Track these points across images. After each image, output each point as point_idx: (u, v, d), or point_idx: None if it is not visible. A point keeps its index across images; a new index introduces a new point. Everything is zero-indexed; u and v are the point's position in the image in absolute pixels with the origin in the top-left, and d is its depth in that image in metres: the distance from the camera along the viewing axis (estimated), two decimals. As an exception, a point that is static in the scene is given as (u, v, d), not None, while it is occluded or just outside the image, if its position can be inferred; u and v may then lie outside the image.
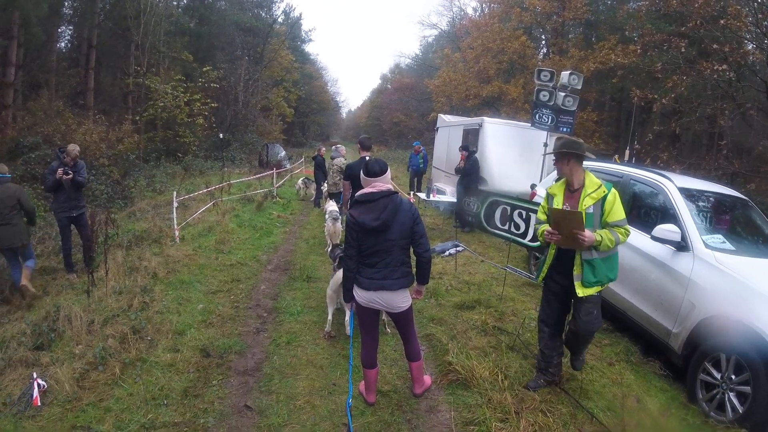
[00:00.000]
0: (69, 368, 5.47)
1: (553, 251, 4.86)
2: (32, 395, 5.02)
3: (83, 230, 9.28)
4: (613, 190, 4.62)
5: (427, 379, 5.32)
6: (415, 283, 4.78)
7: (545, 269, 4.96)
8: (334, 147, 13.88)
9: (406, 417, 4.82)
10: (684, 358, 5.48)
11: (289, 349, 6.32)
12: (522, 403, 4.78)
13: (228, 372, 5.73)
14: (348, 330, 5.60)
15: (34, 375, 5.25)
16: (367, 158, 7.83)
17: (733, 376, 4.79)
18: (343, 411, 4.85)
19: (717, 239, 5.80)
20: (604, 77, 24.00)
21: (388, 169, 4.53)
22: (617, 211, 4.56)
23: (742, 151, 16.83)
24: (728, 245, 5.74)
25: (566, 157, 4.69)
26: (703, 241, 5.66)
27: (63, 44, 29.87)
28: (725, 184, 10.36)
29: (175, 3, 35.74)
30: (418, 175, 19.39)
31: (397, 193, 4.51)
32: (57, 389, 5.18)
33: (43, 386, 5.18)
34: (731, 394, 4.78)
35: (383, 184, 4.44)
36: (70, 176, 8.74)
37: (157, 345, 6.22)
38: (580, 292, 4.66)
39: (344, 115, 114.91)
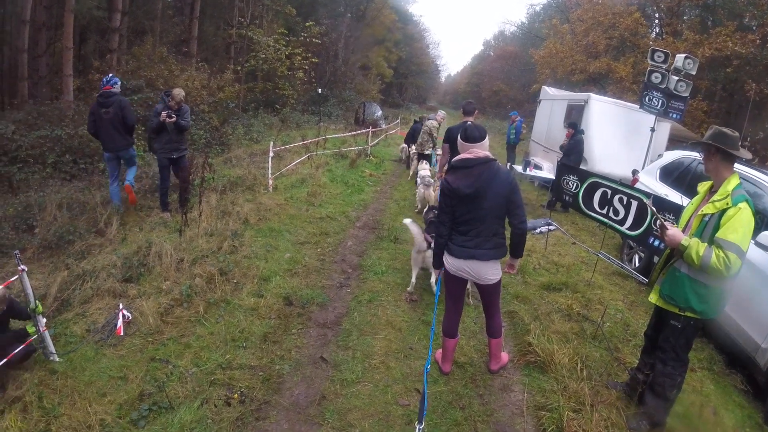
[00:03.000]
0: (155, 302, 5.64)
1: (666, 253, 4.24)
2: (116, 325, 5.19)
3: (182, 172, 9.32)
4: (740, 205, 3.70)
5: (505, 356, 5.14)
6: (507, 256, 4.53)
7: (655, 272, 4.35)
8: (435, 113, 13.69)
9: (478, 392, 4.70)
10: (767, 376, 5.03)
11: (370, 307, 6.29)
12: (597, 396, 4.49)
13: (308, 323, 5.78)
14: (434, 290, 5.41)
15: (120, 306, 5.44)
16: (468, 123, 7.64)
17: None
18: (416, 376, 4.78)
19: None
20: (719, 65, 22.40)
21: (487, 136, 4.32)
22: (729, 229, 3.66)
23: None
24: None
25: (711, 151, 3.97)
26: None
27: None
28: None
29: None
30: (511, 146, 18.91)
31: (495, 160, 4.27)
32: (141, 321, 5.35)
33: (128, 317, 5.35)
34: None
35: (481, 150, 4.24)
36: (174, 119, 8.79)
37: (242, 288, 6.35)
38: (652, 297, 4.22)
39: (443, 79, 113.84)
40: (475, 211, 4.23)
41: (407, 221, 6.83)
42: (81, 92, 17.46)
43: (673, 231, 3.87)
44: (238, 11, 28.57)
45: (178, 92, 9.01)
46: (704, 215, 3.87)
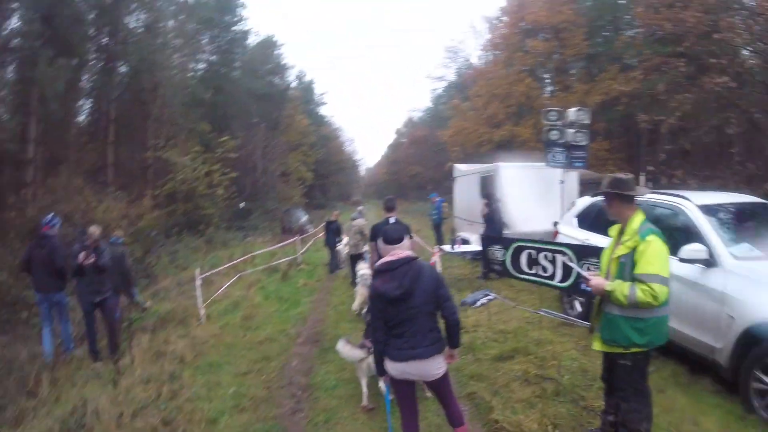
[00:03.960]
0: None
1: (597, 301, 4.54)
2: None
3: (108, 316, 9.11)
4: (648, 238, 4.04)
5: None
6: (446, 348, 4.59)
7: (592, 320, 4.63)
8: (358, 210, 13.90)
9: None
10: (733, 371, 5.44)
11: (327, 428, 6.06)
12: None
13: None
14: (385, 401, 5.37)
15: None
16: (391, 220, 7.80)
17: None
18: None
19: (744, 249, 5.86)
20: (611, 106, 24.38)
21: (407, 235, 4.52)
22: (645, 263, 3.98)
23: (754, 153, 16.82)
24: (756, 252, 5.81)
25: (610, 197, 4.41)
26: (731, 254, 5.71)
27: (82, 118, 29.55)
28: (743, 191, 10.38)
29: (190, 75, 36.07)
30: (436, 226, 19.51)
31: (417, 258, 4.45)
32: None
33: None
34: None
35: (402, 250, 4.40)
36: (93, 260, 8.53)
37: None
38: (596, 345, 4.48)
39: (363, 172, 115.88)
40: (406, 311, 4.26)
41: (339, 346, 6.69)
42: None
43: (596, 280, 4.21)
44: (152, 133, 28.58)
45: (94, 230, 8.90)
46: (620, 257, 4.22)
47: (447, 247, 14.05)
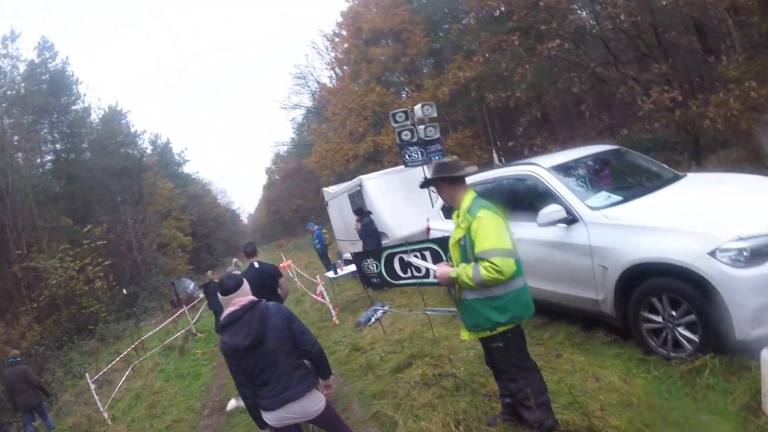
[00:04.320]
0: None
1: (457, 289, 4.27)
2: None
3: None
4: (478, 214, 3.87)
5: None
6: (320, 381, 4.44)
7: (458, 308, 4.36)
8: (234, 262, 13.67)
9: None
10: (621, 318, 5.43)
11: None
12: None
13: None
14: None
15: None
16: (256, 265, 7.59)
17: (673, 313, 4.81)
18: None
19: (601, 197, 5.88)
20: (463, 94, 24.91)
21: (244, 281, 4.21)
22: (480, 241, 3.80)
23: (606, 105, 17.65)
24: (615, 197, 5.85)
25: (438, 184, 4.27)
26: (588, 206, 5.69)
27: None
28: (604, 142, 10.74)
29: (38, 171, 34.64)
30: (321, 254, 19.44)
31: (259, 300, 4.20)
32: None
33: None
34: (681, 329, 4.80)
35: (243, 297, 4.13)
36: None
37: None
38: (463, 334, 4.31)
39: (246, 221, 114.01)
40: (264, 357, 4.05)
41: (231, 405, 6.39)
42: None
43: (440, 269, 4.06)
44: (13, 244, 27.08)
45: None
46: (458, 240, 4.06)
47: (330, 274, 13.85)
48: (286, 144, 62.15)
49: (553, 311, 6.66)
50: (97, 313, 27.20)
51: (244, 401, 4.28)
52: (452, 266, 4.10)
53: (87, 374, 11.87)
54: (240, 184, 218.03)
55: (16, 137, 30.29)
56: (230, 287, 4.10)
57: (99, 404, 10.91)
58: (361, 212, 13.56)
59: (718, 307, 4.40)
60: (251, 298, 4.16)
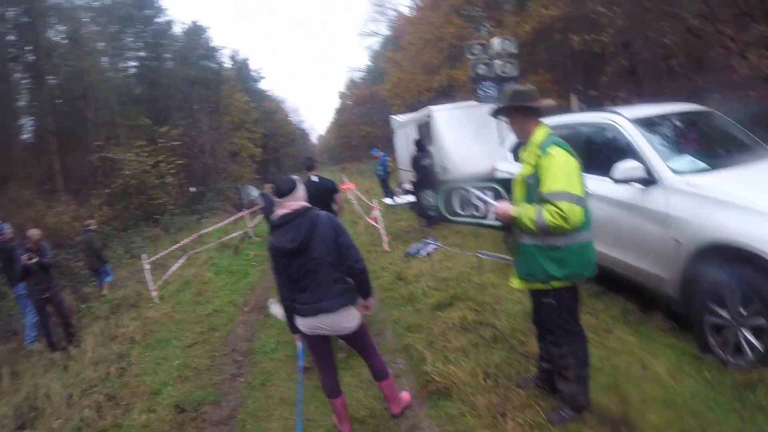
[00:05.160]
0: None
1: (517, 232, 3.83)
2: None
3: (59, 308, 9.41)
4: (550, 151, 3.42)
5: (405, 395, 4.77)
6: (359, 299, 4.25)
7: (513, 249, 4.02)
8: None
9: None
10: (685, 304, 4.71)
11: (263, 390, 5.93)
12: (508, 402, 4.13)
13: (203, 424, 5.43)
14: (299, 364, 4.94)
15: None
16: (313, 179, 7.37)
17: (742, 311, 4.07)
18: None
19: (686, 161, 5.13)
20: (546, 34, 23.04)
21: (298, 186, 4.07)
22: (550, 180, 3.35)
23: (698, 65, 16.14)
24: (700, 164, 5.07)
25: (511, 114, 3.78)
26: (671, 168, 4.99)
27: (26, 135, 30.10)
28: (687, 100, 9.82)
29: (122, 74, 35.98)
30: (382, 181, 18.91)
31: (312, 208, 4.05)
32: None
33: None
34: (745, 332, 4.07)
35: (295, 202, 4.01)
36: (36, 260, 8.80)
37: (132, 408, 5.94)
38: (513, 282, 3.87)
39: (316, 141, 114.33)
40: (308, 264, 3.96)
41: (271, 309, 6.36)
42: None
43: (501, 206, 3.64)
44: (93, 137, 28.18)
45: (33, 233, 9.20)
46: (525, 177, 3.62)
47: (388, 200, 13.51)
48: (361, 70, 61.49)
49: (611, 281, 5.93)
50: (164, 205, 28.38)
51: (282, 302, 4.23)
52: (508, 204, 3.67)
53: (144, 255, 12.16)
54: (313, 105, 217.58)
55: (101, 43, 31.31)
56: (284, 190, 4.02)
57: (150, 283, 11.21)
58: (420, 145, 13.11)
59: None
60: (304, 203, 4.04)
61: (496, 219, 3.76)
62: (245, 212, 20.51)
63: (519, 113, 3.70)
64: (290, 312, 4.17)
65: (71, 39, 29.14)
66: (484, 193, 5.94)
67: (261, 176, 49.20)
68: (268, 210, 17.11)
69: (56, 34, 29.29)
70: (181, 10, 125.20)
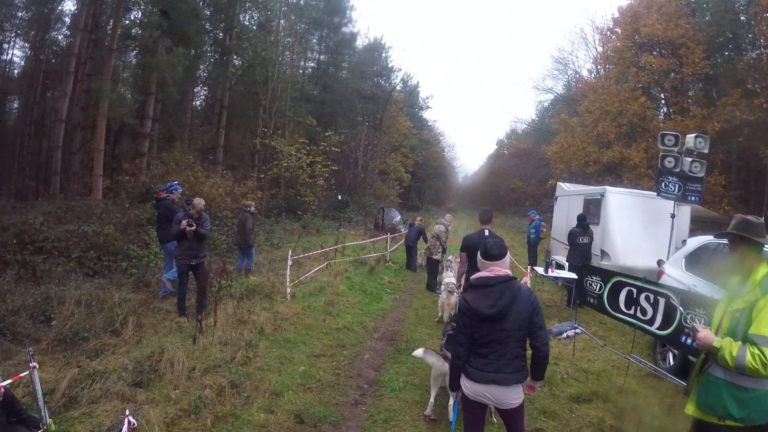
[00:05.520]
0: (162, 411, 5.43)
1: (701, 358, 3.67)
2: (121, 430, 4.98)
3: (200, 279, 9.46)
4: None
5: None
6: (528, 378, 4.14)
7: (691, 380, 3.74)
8: (444, 216, 13.92)
9: None
10: None
11: (386, 428, 5.85)
12: None
13: None
14: (451, 416, 4.93)
15: (127, 411, 5.23)
16: (486, 232, 7.32)
17: None
18: None
19: None
20: (730, 136, 21.91)
21: (508, 253, 4.09)
22: (762, 323, 3.18)
23: None
24: None
25: (736, 241, 3.61)
26: None
27: (198, 103, 32.91)
28: None
29: (300, 72, 37.92)
30: (532, 246, 18.37)
31: (515, 279, 3.99)
32: (146, 430, 5.10)
33: (134, 424, 5.17)
34: None
35: (501, 268, 3.98)
36: (194, 228, 8.99)
37: (252, 403, 6.02)
38: (689, 408, 3.63)
39: (461, 179, 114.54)
40: (496, 332, 3.90)
41: (417, 353, 6.36)
42: (110, 191, 18.29)
43: (704, 333, 3.39)
44: (262, 122, 29.71)
45: (198, 202, 9.30)
46: (735, 311, 3.41)
47: (540, 269, 13.16)
48: (526, 123, 60.85)
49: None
50: (309, 203, 29.43)
51: (453, 360, 4.17)
52: (712, 333, 3.47)
53: (290, 250, 12.56)
54: (467, 144, 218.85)
55: (288, 38, 33.07)
56: (494, 254, 4.06)
57: (288, 278, 11.44)
58: (582, 221, 12.66)
59: None
60: (508, 272, 4.01)
61: (693, 343, 3.56)
62: (388, 235, 20.74)
63: (743, 243, 3.54)
64: (458, 371, 4.12)
65: (262, 27, 31.30)
66: (693, 311, 5.69)
67: (402, 201, 49.92)
68: (410, 239, 17.49)
69: (248, 19, 31.65)
70: (367, 21, 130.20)
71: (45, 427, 4.57)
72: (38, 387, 4.49)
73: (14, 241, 10.92)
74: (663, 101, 31.11)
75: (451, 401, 5.51)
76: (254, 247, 14.12)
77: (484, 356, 3.94)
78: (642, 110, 26.95)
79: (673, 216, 11.22)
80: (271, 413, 5.79)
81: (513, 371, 3.91)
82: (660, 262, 9.42)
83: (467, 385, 4.03)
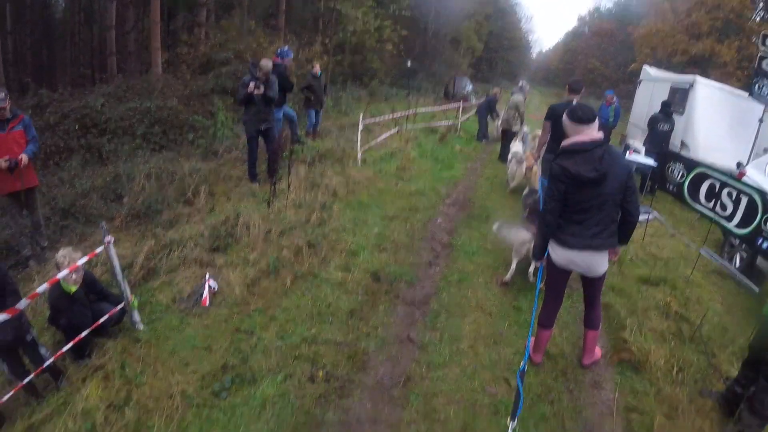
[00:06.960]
0: (241, 273, 5.67)
1: None
2: (202, 294, 5.24)
3: (270, 143, 9.51)
4: None
5: (598, 351, 4.82)
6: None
7: None
8: (519, 85, 13.43)
9: (568, 386, 4.43)
10: None
11: (459, 288, 6.07)
12: (692, 403, 4.13)
13: (395, 300, 5.64)
14: (535, 281, 5.07)
15: (207, 276, 5.47)
16: (574, 103, 7.17)
17: None
18: (505, 363, 4.63)
19: None
20: None
21: (597, 117, 3.99)
22: None
23: None
24: None
25: None
26: None
27: None
28: None
29: None
30: (605, 130, 17.80)
31: (608, 143, 3.95)
32: (227, 292, 5.38)
33: (214, 288, 5.40)
34: None
35: (593, 131, 3.92)
36: (261, 90, 8.83)
37: (329, 262, 6.30)
38: (766, 309, 3.69)
39: (535, 55, 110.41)
40: (596, 198, 3.92)
41: (496, 227, 6.50)
42: (170, 65, 17.95)
43: None
44: None
45: (266, 63, 9.03)
46: None
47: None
48: (611, 2, 57.76)
49: None
50: (376, 70, 28.92)
51: (543, 228, 4.22)
52: None
53: (361, 115, 12.54)
54: (546, 18, 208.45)
55: None
56: (586, 118, 3.95)
57: (358, 143, 11.50)
58: (666, 109, 12.20)
59: None
60: (601, 135, 3.95)
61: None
62: (461, 104, 20.44)
63: None
64: (547, 238, 4.17)
65: None
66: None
67: (473, 70, 48.74)
68: (482, 111, 17.17)
69: None
70: None
71: (127, 302, 4.70)
72: (116, 262, 4.57)
73: (76, 127, 10.95)
74: (762, 3, 28.66)
75: (532, 267, 5.69)
76: (320, 111, 13.95)
77: (581, 222, 3.98)
78: (740, 7, 25.51)
79: (761, 121, 10.62)
80: (348, 272, 6.06)
81: (609, 236, 4.00)
82: (740, 165, 9.15)
83: (559, 252, 4.11)
